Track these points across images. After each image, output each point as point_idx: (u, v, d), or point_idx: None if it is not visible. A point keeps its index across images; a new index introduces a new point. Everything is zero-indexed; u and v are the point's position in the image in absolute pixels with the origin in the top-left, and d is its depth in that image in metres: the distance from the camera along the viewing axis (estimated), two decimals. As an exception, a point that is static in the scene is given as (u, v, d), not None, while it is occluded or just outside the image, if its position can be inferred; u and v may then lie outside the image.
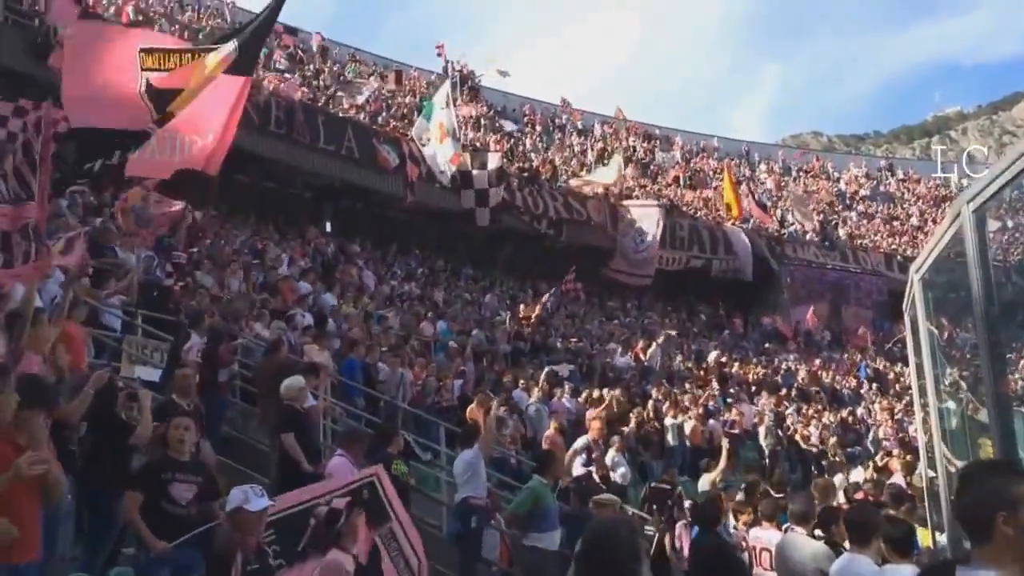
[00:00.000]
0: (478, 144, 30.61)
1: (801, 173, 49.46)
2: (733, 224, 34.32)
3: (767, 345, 30.69)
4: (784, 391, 23.29)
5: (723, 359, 25.21)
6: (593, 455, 13.36)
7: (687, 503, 10.26)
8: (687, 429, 17.46)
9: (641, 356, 22.44)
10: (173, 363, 9.73)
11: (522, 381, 16.69)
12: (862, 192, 48.56)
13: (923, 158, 62.91)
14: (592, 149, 40.14)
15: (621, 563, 2.97)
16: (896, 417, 22.92)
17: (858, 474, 15.89)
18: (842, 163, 53.99)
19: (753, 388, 23.01)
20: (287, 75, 28.28)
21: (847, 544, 6.19)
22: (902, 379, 26.93)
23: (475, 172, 23.26)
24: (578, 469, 12.74)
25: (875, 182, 50.88)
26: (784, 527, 7.56)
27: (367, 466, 8.55)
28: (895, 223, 44.68)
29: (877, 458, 17.89)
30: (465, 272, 27.19)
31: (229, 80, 8.16)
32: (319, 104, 26.53)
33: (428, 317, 19.25)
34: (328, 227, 25.05)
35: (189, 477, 6.47)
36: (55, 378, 7.00)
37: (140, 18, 24.65)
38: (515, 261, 29.76)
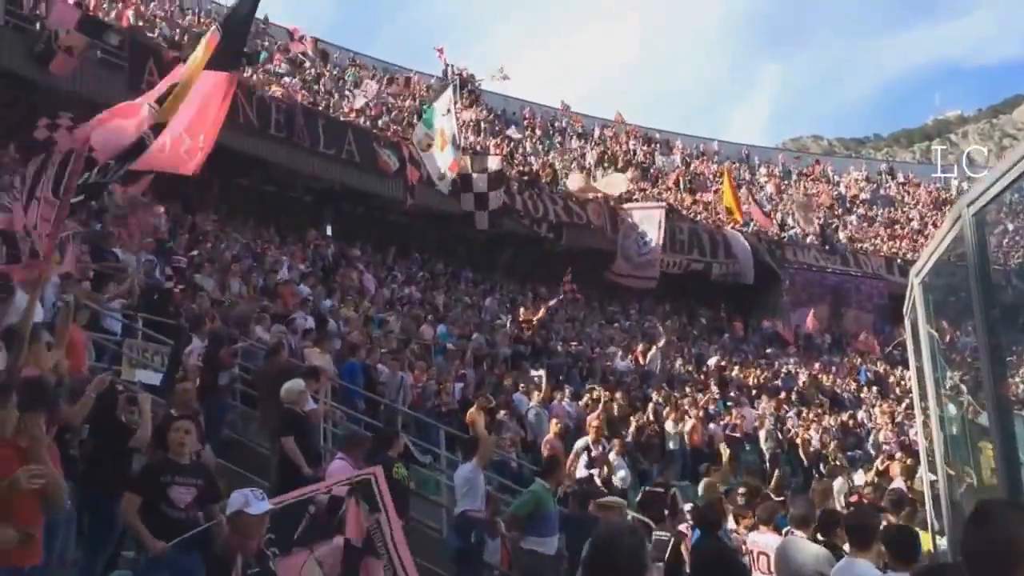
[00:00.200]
0: (478, 148, 30.62)
1: (801, 177, 49.46)
2: (733, 228, 34.34)
3: (767, 349, 30.66)
4: (784, 395, 23.27)
5: (723, 363, 25.22)
6: (592, 455, 13.39)
7: (687, 506, 10.25)
8: (687, 432, 17.46)
9: (641, 360, 22.43)
10: (174, 367, 9.74)
11: (522, 385, 16.70)
12: (862, 196, 48.56)
13: (923, 161, 62.89)
14: (592, 152, 40.17)
15: (626, 569, 2.97)
16: (896, 421, 22.90)
17: (859, 478, 15.89)
18: (842, 166, 54.00)
19: (753, 392, 23.00)
20: (287, 79, 28.29)
21: (847, 547, 6.19)
22: (903, 383, 26.91)
23: (475, 175, 23.27)
24: (580, 471, 12.76)
25: (875, 185, 50.90)
26: (784, 531, 7.55)
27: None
28: (896, 227, 44.68)
29: (878, 462, 17.89)
30: (465, 275, 27.19)
31: (214, 77, 8.12)
32: (319, 108, 26.55)
33: (428, 320, 19.27)
34: (329, 231, 25.07)
35: (188, 480, 6.47)
36: (55, 380, 7.00)
37: (140, 22, 24.68)
38: (515, 264, 29.77)
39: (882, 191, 50.28)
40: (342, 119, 26.52)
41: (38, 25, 19.34)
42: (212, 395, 10.60)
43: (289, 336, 13.47)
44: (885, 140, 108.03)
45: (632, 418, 16.84)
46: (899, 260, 37.47)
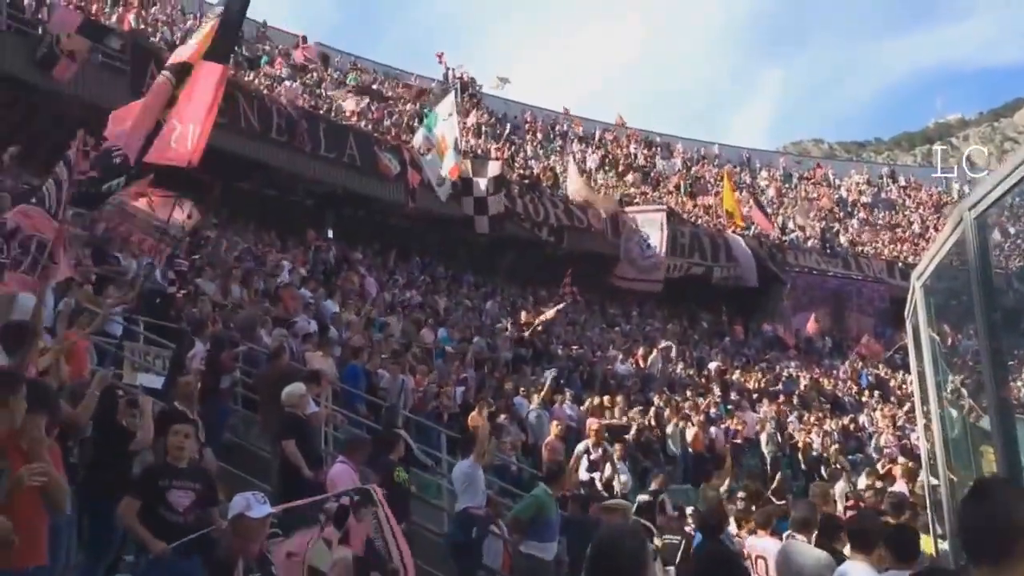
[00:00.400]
0: (479, 152, 30.65)
1: (802, 180, 49.48)
2: (734, 232, 34.34)
3: (768, 352, 30.67)
4: (785, 398, 23.27)
5: (723, 367, 25.23)
6: (592, 458, 13.40)
7: (689, 509, 10.26)
8: (688, 436, 17.46)
9: (642, 363, 22.44)
10: (175, 370, 9.73)
11: (523, 388, 16.70)
12: (863, 199, 48.56)
13: (924, 165, 62.79)
14: (594, 156, 40.21)
15: (626, 570, 2.99)
16: (898, 424, 22.91)
17: (860, 481, 15.88)
18: (843, 170, 54.00)
19: (754, 395, 23.00)
20: (288, 83, 28.33)
21: (848, 551, 6.19)
22: (904, 386, 26.90)
23: (475, 180, 23.32)
24: (581, 475, 12.76)
25: (876, 189, 50.91)
26: (785, 535, 7.55)
27: (368, 473, 8.58)
28: (897, 230, 44.68)
29: (879, 465, 17.89)
30: (466, 279, 27.20)
31: (207, 67, 8.15)
32: (320, 112, 26.58)
33: (429, 324, 19.27)
34: (330, 234, 25.08)
35: (187, 484, 6.45)
36: (58, 384, 7.01)
37: (142, 26, 24.73)
38: (516, 268, 29.77)
39: (883, 195, 50.28)
40: (343, 123, 26.54)
41: (40, 30, 19.36)
42: (213, 398, 10.61)
43: (290, 340, 13.49)
44: (886, 144, 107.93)
45: (634, 422, 16.85)
46: (900, 264, 37.48)
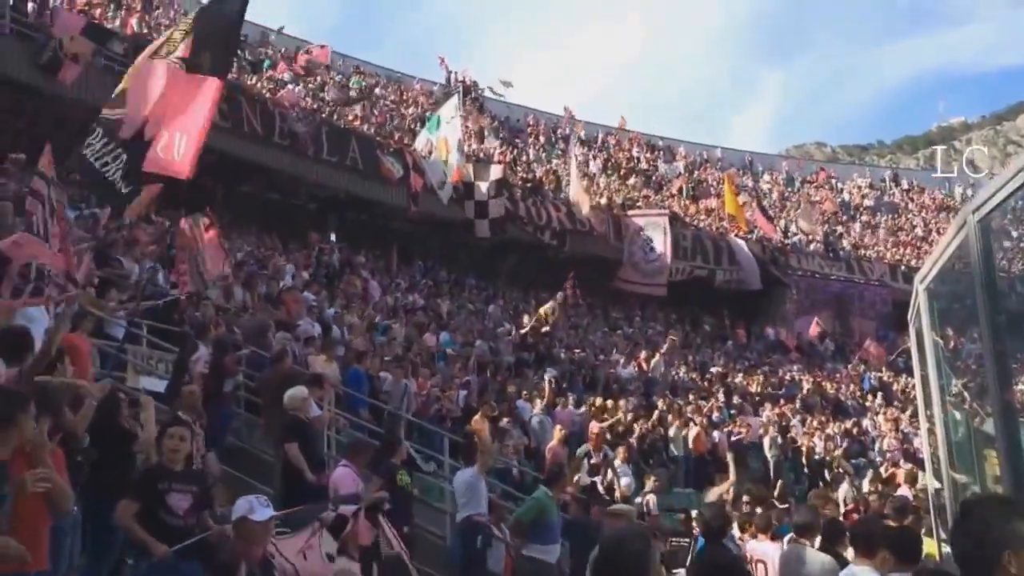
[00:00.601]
0: (481, 155, 30.67)
1: (805, 184, 49.46)
2: (737, 235, 34.33)
3: (771, 356, 30.64)
4: (788, 402, 23.25)
5: (725, 371, 25.21)
6: (592, 462, 13.41)
7: (693, 512, 10.26)
8: (691, 440, 17.45)
9: (644, 366, 22.43)
10: (178, 374, 9.74)
11: (525, 392, 16.70)
12: (866, 203, 48.53)
13: (927, 168, 62.83)
14: (597, 160, 40.22)
15: (630, 572, 3.01)
16: (901, 428, 22.87)
17: (863, 485, 15.88)
18: (846, 173, 53.97)
19: (757, 399, 22.98)
20: (291, 87, 28.37)
21: (849, 555, 6.18)
22: (907, 390, 26.86)
23: (477, 184, 23.34)
24: (584, 478, 12.77)
25: (879, 192, 50.86)
26: (786, 538, 7.55)
27: (371, 477, 8.59)
28: (900, 233, 44.64)
29: (882, 469, 17.88)
30: (468, 282, 27.20)
31: (201, 81, 8.10)
32: (323, 116, 26.61)
33: (431, 328, 19.27)
34: (333, 238, 25.10)
35: (185, 487, 6.44)
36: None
37: (145, 30, 24.76)
38: (518, 271, 29.78)
39: (886, 198, 50.24)
40: (345, 126, 26.57)
41: (44, 35, 19.38)
42: (216, 402, 10.60)
43: (293, 344, 13.49)
44: (889, 147, 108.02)
45: (636, 425, 16.85)
46: (903, 267, 37.43)
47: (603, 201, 32.62)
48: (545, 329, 21.39)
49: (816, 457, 19.50)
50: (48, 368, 6.45)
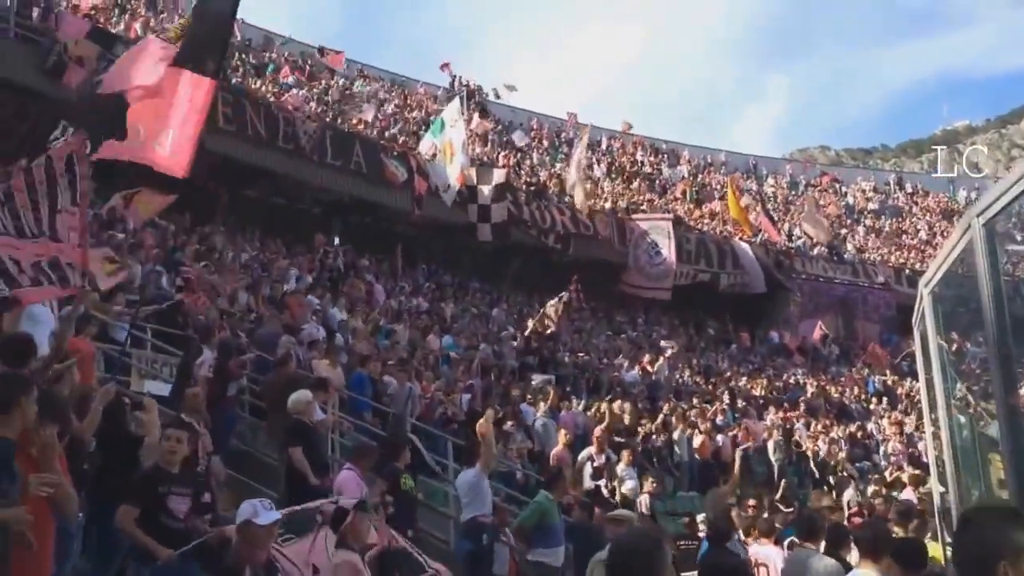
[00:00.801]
0: (485, 159, 30.70)
1: (809, 188, 49.44)
2: (741, 239, 34.32)
3: (775, 359, 30.61)
4: (792, 405, 23.21)
5: (729, 374, 25.18)
6: (596, 465, 13.40)
7: (699, 516, 10.26)
8: (695, 443, 17.43)
9: (649, 369, 22.42)
10: (183, 378, 9.75)
11: (529, 395, 16.69)
12: (870, 206, 48.50)
13: (931, 172, 62.74)
14: (601, 164, 40.22)
15: (642, 573, 3.04)
16: (905, 432, 22.83)
17: (868, 489, 15.86)
18: (850, 177, 53.94)
19: (761, 403, 22.94)
20: (295, 90, 28.42)
21: (853, 559, 6.17)
22: (912, 393, 26.82)
23: (480, 188, 23.37)
24: (586, 482, 12.77)
25: (883, 196, 50.84)
26: (787, 541, 7.54)
27: (375, 480, 8.59)
28: (904, 237, 44.61)
29: (887, 473, 17.85)
30: (473, 286, 27.21)
31: (194, 81, 8.09)
32: (327, 119, 26.64)
33: (435, 331, 19.27)
34: (337, 241, 25.13)
35: (183, 490, 6.45)
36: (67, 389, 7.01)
37: (148, 34, 24.84)
38: (522, 275, 29.77)
39: (890, 201, 50.22)
40: (349, 130, 26.60)
41: (50, 40, 19.43)
42: (221, 405, 10.62)
43: (297, 347, 13.50)
44: (893, 151, 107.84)
45: (640, 428, 16.83)
46: (907, 271, 37.40)
47: (607, 205, 32.63)
48: (550, 331, 21.37)
49: (820, 461, 19.45)
50: (55, 376, 6.47)
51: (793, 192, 47.78)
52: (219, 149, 19.99)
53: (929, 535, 7.99)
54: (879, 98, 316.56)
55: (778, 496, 15.32)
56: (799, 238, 38.67)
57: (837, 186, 50.95)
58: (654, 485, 13.53)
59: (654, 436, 16.98)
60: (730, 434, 18.81)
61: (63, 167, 6.89)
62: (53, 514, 4.98)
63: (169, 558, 6.02)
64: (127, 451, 7.26)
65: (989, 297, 4.33)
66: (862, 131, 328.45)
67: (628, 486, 13.45)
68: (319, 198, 25.65)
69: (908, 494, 13.15)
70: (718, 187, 43.13)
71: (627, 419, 16.88)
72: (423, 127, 28.85)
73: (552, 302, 21.84)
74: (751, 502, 11.25)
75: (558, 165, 37.17)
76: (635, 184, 39.25)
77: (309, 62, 34.62)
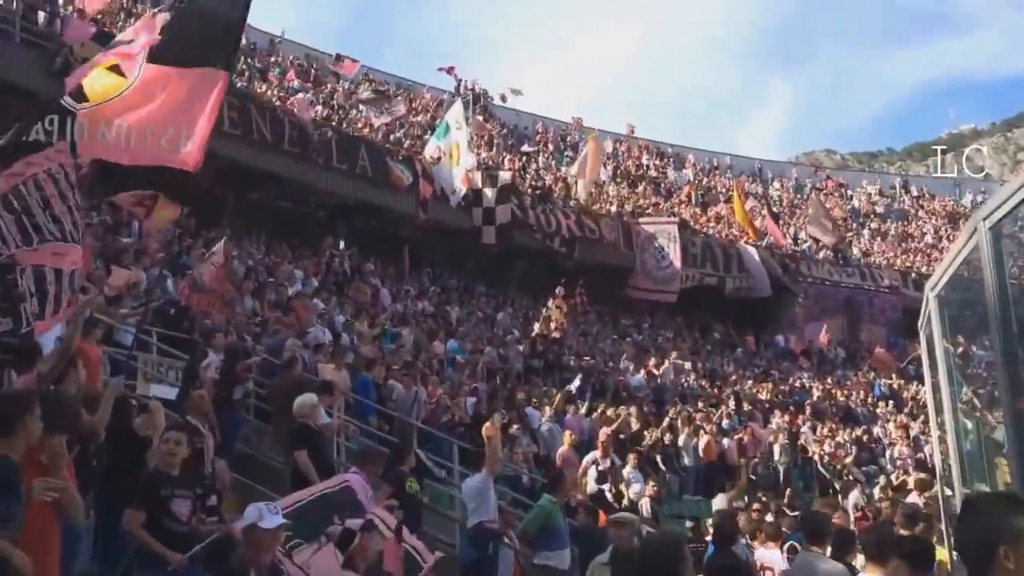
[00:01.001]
0: (491, 163, 30.70)
1: (815, 191, 49.38)
2: (747, 243, 34.30)
3: (781, 363, 30.57)
4: (798, 409, 23.18)
5: (734, 377, 25.16)
6: (600, 469, 13.39)
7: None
8: (701, 447, 17.41)
9: (654, 372, 22.40)
10: (188, 381, 9.76)
11: (535, 399, 16.67)
12: (876, 210, 48.43)
13: (934, 173, 62.59)
14: (607, 167, 40.22)
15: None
16: (912, 435, 22.79)
17: (875, 493, 15.82)
18: (856, 180, 53.88)
19: (767, 406, 22.92)
20: (300, 94, 28.44)
21: (859, 563, 6.15)
22: (918, 397, 26.77)
23: (484, 191, 23.36)
24: (591, 486, 12.74)
25: (889, 199, 50.76)
26: (787, 545, 7.53)
27: (380, 484, 8.58)
28: (909, 240, 44.53)
29: (893, 476, 17.80)
30: (478, 289, 27.21)
31: (204, 75, 8.06)
32: (333, 123, 26.68)
33: (440, 335, 19.27)
34: (342, 245, 25.15)
35: (185, 492, 6.44)
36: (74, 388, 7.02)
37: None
38: (528, 279, 29.75)
39: (896, 205, 50.15)
40: (355, 134, 26.63)
41: (56, 44, 19.46)
42: (226, 409, 10.62)
43: (302, 350, 13.50)
44: (898, 154, 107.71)
45: (646, 432, 16.81)
46: (913, 274, 37.34)
47: (612, 209, 32.63)
48: (556, 333, 21.37)
49: (826, 465, 19.42)
50: (60, 377, 6.48)
51: (799, 196, 47.72)
52: (225, 153, 20.00)
53: (935, 538, 7.97)
54: (885, 101, 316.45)
55: (784, 500, 15.28)
56: (805, 241, 38.63)
57: (843, 190, 50.87)
58: (655, 488, 13.52)
59: (660, 440, 16.96)
60: (735, 438, 18.79)
61: (47, 181, 6.86)
62: (58, 519, 4.97)
63: (180, 563, 6.01)
64: (135, 451, 7.26)
65: (995, 300, 4.33)
66: (867, 134, 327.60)
67: (634, 489, 13.43)
68: (324, 202, 25.68)
69: (914, 498, 13.10)
70: (724, 191, 43.12)
71: (633, 423, 16.87)
72: (428, 131, 28.86)
73: (550, 303, 21.87)
74: (757, 506, 11.25)
75: (563, 169, 37.18)
76: (640, 188, 39.24)
77: (315, 66, 34.67)
